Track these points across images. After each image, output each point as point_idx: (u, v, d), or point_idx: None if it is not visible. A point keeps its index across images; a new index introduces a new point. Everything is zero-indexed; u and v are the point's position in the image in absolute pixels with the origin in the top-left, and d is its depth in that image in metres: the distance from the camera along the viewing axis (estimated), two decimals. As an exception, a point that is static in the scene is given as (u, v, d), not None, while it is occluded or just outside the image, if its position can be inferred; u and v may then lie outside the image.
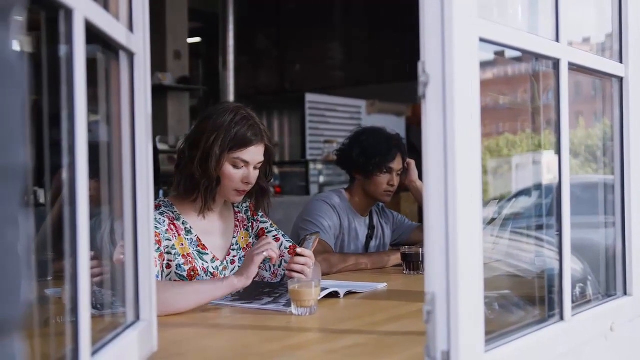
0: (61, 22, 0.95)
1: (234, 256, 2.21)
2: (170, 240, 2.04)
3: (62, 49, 0.97)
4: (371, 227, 3.03)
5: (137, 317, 1.32)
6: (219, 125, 2.06)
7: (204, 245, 2.13)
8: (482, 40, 1.20)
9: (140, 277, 1.32)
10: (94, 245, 1.03)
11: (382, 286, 2.26)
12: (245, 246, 2.25)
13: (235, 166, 2.08)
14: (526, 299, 1.64)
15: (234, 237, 2.23)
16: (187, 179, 2.10)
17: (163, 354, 1.39)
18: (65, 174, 0.97)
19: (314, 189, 7.05)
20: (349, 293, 2.09)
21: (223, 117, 2.07)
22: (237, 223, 2.26)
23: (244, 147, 2.07)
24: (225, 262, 2.18)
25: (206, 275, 2.09)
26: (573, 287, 1.53)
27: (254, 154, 2.10)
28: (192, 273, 2.06)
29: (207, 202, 2.12)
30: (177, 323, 1.74)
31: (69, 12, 0.95)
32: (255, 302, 1.93)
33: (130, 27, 1.29)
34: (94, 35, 1.06)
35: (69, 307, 0.98)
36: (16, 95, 0.51)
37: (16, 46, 0.55)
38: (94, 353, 1.04)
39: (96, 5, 1.06)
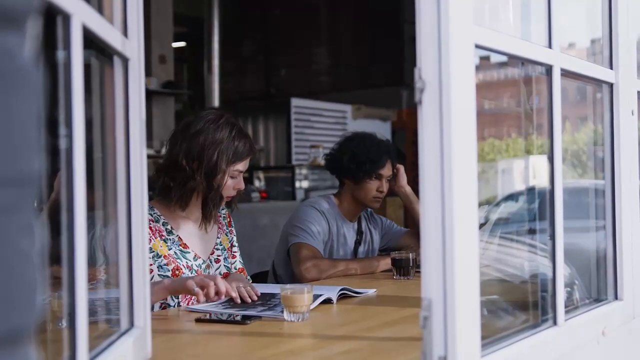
0: (59, 27, 0.94)
1: (218, 255, 2.29)
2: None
3: (60, 54, 0.96)
4: (359, 233, 3.03)
5: (132, 324, 1.30)
6: (219, 140, 2.14)
7: (185, 244, 2.19)
8: (477, 46, 1.20)
9: (135, 284, 1.31)
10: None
11: (371, 292, 2.26)
12: (227, 248, 2.34)
13: (233, 177, 2.20)
14: (518, 304, 1.65)
15: (218, 238, 2.32)
16: (188, 191, 2.16)
17: (157, 361, 1.39)
18: (62, 179, 0.96)
19: (300, 194, 7.03)
20: (342, 295, 2.09)
21: (220, 132, 2.16)
22: (220, 225, 2.35)
23: (243, 159, 2.21)
24: (209, 260, 2.25)
25: (190, 273, 2.16)
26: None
27: (247, 163, 2.24)
28: (177, 272, 2.13)
29: (214, 212, 2.22)
30: (171, 330, 1.73)
31: (66, 18, 0.94)
32: (250, 310, 1.91)
33: (125, 33, 1.29)
34: (89, 40, 1.05)
35: (60, 314, 0.97)
36: (32, 103, 0.51)
37: (31, 53, 0.54)
38: (90, 361, 1.03)
39: (93, 11, 1.05)
